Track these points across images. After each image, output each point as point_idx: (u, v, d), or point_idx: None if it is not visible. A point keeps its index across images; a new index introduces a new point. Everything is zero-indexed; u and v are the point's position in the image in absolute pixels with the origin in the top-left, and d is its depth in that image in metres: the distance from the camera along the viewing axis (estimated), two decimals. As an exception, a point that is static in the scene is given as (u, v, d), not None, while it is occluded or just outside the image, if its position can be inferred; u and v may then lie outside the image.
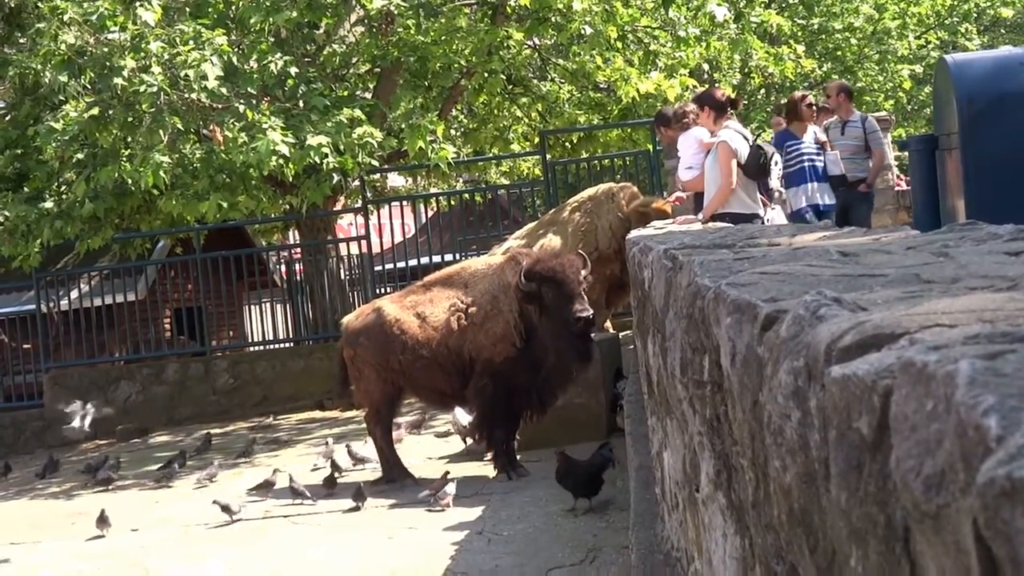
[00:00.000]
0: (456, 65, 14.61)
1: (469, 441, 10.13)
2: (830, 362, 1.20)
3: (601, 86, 16.36)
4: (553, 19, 14.35)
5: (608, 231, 11.22)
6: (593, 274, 9.16)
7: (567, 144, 17.65)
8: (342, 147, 12.32)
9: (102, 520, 8.66)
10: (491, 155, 18.36)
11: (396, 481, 9.18)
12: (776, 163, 8.36)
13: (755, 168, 8.03)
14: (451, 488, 8.14)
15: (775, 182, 8.38)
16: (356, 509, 8.43)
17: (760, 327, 1.57)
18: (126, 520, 9.03)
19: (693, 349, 2.37)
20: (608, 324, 12.16)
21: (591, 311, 8.44)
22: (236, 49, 12.56)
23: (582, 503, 7.55)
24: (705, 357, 2.20)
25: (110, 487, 10.73)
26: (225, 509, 8.52)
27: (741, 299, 1.74)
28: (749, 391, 1.64)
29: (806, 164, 9.67)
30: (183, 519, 8.97)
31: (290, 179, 13.16)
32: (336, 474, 9.45)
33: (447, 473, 8.65)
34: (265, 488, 9.25)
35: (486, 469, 9.21)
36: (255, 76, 12.34)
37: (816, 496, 1.27)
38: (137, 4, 12.07)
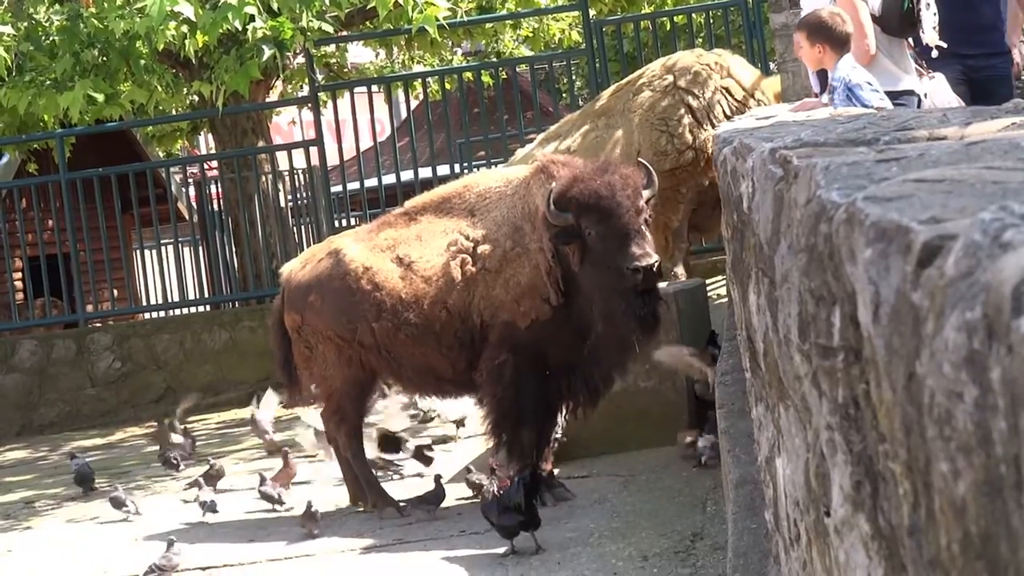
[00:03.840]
0: None
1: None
2: (1020, 312, 1.21)
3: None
4: None
5: (692, 124, 11.17)
6: (669, 190, 9.12)
7: (621, -8, 17.57)
8: (276, 5, 12.28)
9: None
10: (505, 13, 18.29)
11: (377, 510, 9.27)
12: (928, 5, 8.06)
13: (898, 19, 7.91)
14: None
15: (930, 35, 8.07)
16: (307, 556, 8.55)
17: (916, 262, 1.58)
18: None
19: (816, 299, 2.38)
20: (679, 269, 12.11)
21: (655, 256, 8.32)
22: None
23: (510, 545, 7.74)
24: (834, 310, 2.21)
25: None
26: None
27: (887, 220, 1.75)
28: (901, 359, 1.65)
29: None
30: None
31: (198, 56, 13.13)
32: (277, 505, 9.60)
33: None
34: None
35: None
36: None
37: (1003, 514, 1.29)
38: None
